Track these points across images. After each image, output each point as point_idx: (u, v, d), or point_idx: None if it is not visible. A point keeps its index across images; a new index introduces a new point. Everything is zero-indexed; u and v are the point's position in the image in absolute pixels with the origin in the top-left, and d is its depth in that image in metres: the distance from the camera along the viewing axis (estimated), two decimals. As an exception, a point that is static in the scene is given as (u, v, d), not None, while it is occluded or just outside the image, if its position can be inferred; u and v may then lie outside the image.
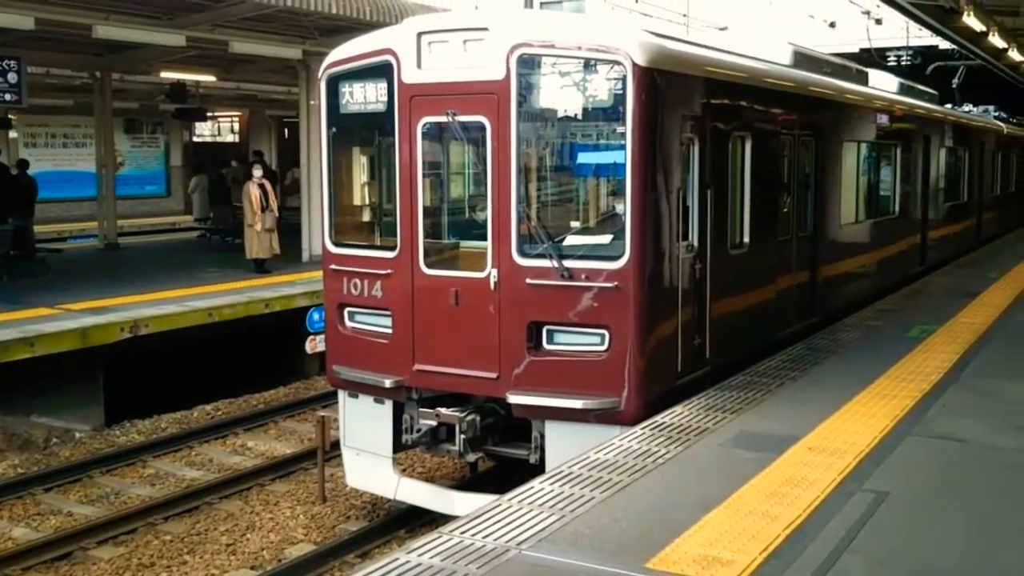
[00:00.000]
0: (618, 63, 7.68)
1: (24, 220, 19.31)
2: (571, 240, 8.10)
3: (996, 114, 26.96)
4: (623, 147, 7.72)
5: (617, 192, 7.99)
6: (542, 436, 8.19)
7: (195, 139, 39.33)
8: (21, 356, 11.98)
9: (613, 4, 27.23)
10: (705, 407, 7.82)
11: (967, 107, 26.01)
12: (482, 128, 8.15)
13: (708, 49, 9.67)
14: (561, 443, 7.92)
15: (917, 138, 16.27)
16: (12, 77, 16.15)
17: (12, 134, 30.22)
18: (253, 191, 17.54)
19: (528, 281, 8.00)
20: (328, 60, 9.20)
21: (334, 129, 9.28)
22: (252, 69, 23.64)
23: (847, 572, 4.85)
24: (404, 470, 10.72)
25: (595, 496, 5.84)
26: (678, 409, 7.77)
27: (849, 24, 30.03)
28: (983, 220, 22.70)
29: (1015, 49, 20.23)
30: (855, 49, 27.97)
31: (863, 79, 14.73)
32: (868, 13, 27.98)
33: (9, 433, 12.41)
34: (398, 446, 9.08)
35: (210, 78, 24.15)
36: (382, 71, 8.64)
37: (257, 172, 18.11)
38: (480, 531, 5.34)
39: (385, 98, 8.67)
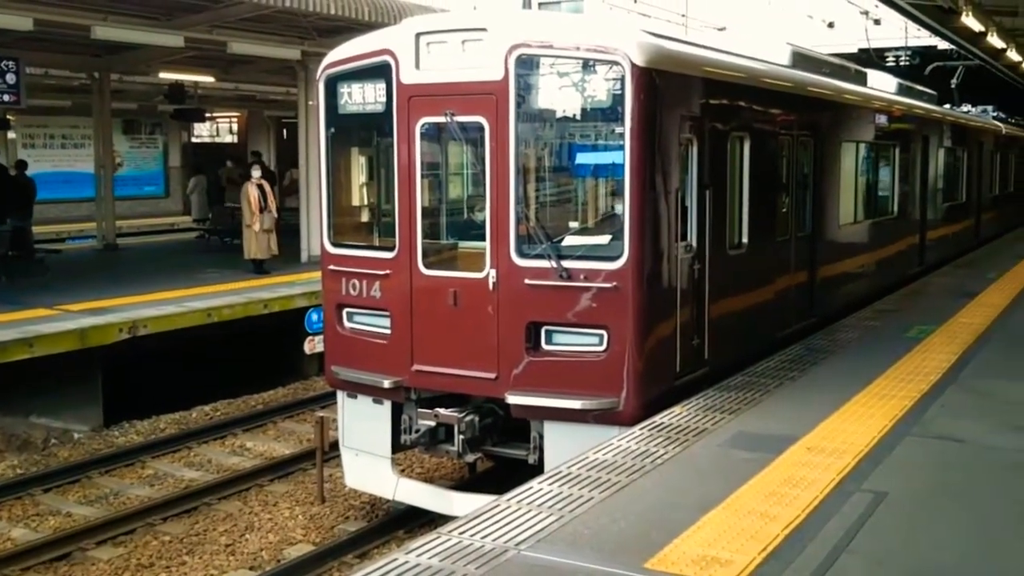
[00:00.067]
0: (616, 63, 7.68)
1: (23, 221, 19.28)
2: (570, 240, 8.10)
3: (995, 114, 26.96)
4: (622, 147, 7.72)
5: (616, 192, 7.99)
6: (541, 436, 8.19)
7: (194, 140, 39.30)
8: (20, 357, 11.97)
9: (611, 4, 27.24)
10: (704, 407, 7.82)
11: (966, 107, 26.02)
12: (480, 128, 8.16)
13: (707, 49, 9.67)
14: (560, 443, 7.92)
15: (916, 138, 16.28)
16: (11, 78, 16.15)
17: (10, 135, 30.20)
18: (252, 192, 17.53)
19: (527, 281, 8.00)
20: (326, 61, 9.20)
21: (333, 130, 9.28)
22: (250, 70, 23.63)
23: (846, 572, 4.85)
24: (403, 470, 10.72)
25: (594, 496, 5.84)
26: (677, 409, 7.77)
27: (848, 24, 30.06)
28: (982, 220, 22.71)
29: (1014, 49, 20.25)
30: (854, 49, 27.98)
31: (862, 79, 14.74)
32: (867, 13, 28.01)
33: (8, 434, 12.41)
34: (397, 446, 9.08)
35: (208, 79, 24.13)
36: (381, 71, 8.64)
37: (256, 173, 18.11)
38: (479, 531, 5.34)
39: (384, 98, 8.67)
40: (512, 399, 8.09)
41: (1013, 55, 20.87)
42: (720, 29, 25.79)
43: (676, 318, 8.28)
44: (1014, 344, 10.39)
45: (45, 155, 31.99)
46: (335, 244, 9.25)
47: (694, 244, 8.57)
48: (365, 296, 8.93)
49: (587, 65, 7.86)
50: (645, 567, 4.87)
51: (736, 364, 9.17)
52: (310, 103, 18.62)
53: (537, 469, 7.86)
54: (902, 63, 28.63)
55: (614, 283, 7.72)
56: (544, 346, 8.06)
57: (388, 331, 8.77)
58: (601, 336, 7.84)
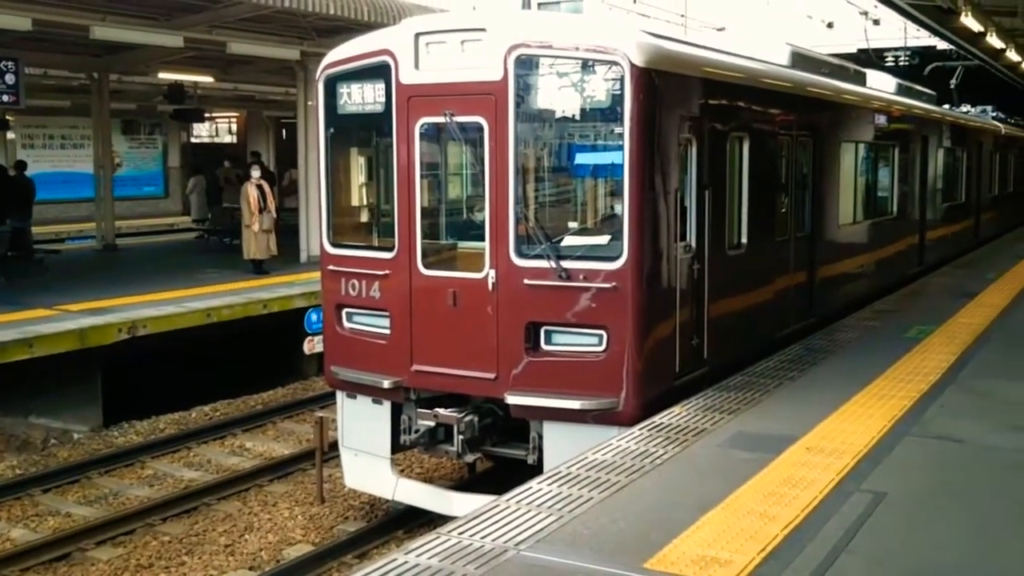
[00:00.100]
0: (616, 63, 7.68)
1: (22, 221, 19.30)
2: (569, 241, 8.10)
3: (994, 114, 26.97)
4: (621, 148, 7.72)
5: (615, 193, 7.98)
6: (540, 437, 8.19)
7: (193, 140, 39.30)
8: (19, 357, 11.97)
9: (611, 4, 27.25)
10: (703, 407, 7.82)
11: (965, 107, 26.03)
12: (480, 129, 8.16)
13: (706, 50, 9.67)
14: (559, 444, 7.92)
15: (915, 138, 16.28)
16: (10, 78, 16.14)
17: (10, 135, 30.20)
18: (251, 192, 17.53)
19: (526, 282, 8.00)
20: (326, 61, 9.20)
21: (332, 130, 9.28)
22: (250, 70, 23.63)
23: (845, 572, 4.85)
24: (402, 471, 10.73)
25: (593, 496, 5.84)
26: (676, 409, 7.77)
27: (847, 24, 30.08)
28: (981, 220, 22.72)
29: (1013, 49, 20.26)
30: (853, 49, 28.00)
31: (861, 79, 14.74)
32: (866, 14, 28.04)
33: (7, 434, 12.42)
34: (396, 447, 9.08)
35: (208, 79, 24.13)
36: (380, 72, 8.64)
37: (255, 173, 18.11)
38: (478, 532, 5.34)
39: (383, 99, 8.67)
40: (511, 399, 8.09)
41: (1012, 55, 20.89)
42: (719, 29, 25.80)
43: (675, 318, 8.29)
44: (1013, 344, 10.39)
45: (44, 155, 31.99)
46: (334, 244, 9.25)
47: (693, 244, 8.57)
48: (364, 296, 8.93)
49: (586, 65, 7.85)
50: (644, 567, 4.87)
51: (735, 364, 9.17)
52: (309, 103, 18.62)
53: (536, 469, 7.86)
54: (901, 63, 28.64)
55: (613, 283, 7.73)
56: (543, 346, 8.06)
57: (387, 331, 8.77)
58: (600, 336, 7.84)
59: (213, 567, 8.95)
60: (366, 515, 10.03)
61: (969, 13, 15.21)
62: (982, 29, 16.66)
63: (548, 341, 8.06)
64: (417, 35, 8.45)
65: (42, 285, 16.39)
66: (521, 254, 8.04)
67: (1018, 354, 9.95)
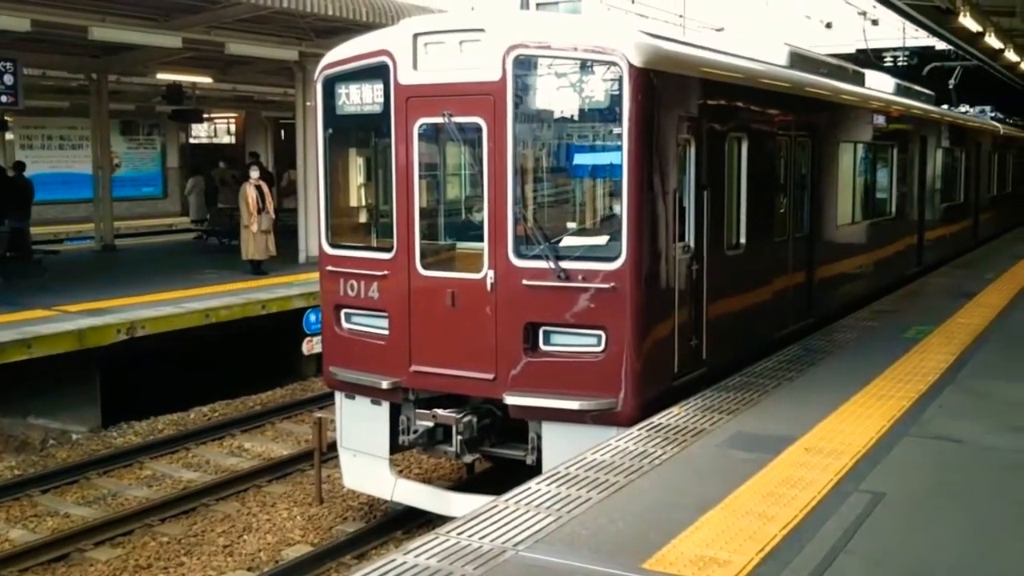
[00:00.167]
0: (614, 64, 7.68)
1: (21, 222, 19.28)
2: (567, 241, 8.09)
3: (992, 115, 26.99)
4: (619, 148, 7.72)
5: (613, 193, 7.98)
6: (539, 437, 8.19)
7: (191, 141, 39.29)
8: (18, 358, 11.97)
9: (609, 5, 27.25)
10: (702, 408, 7.82)
11: (964, 108, 26.05)
12: (478, 129, 8.16)
13: (704, 50, 9.67)
14: (558, 444, 7.92)
15: (914, 139, 16.29)
16: (8, 79, 16.12)
17: (8, 136, 30.21)
18: (249, 192, 17.53)
19: (524, 282, 7.99)
20: (324, 61, 9.20)
21: (330, 130, 9.28)
22: (248, 70, 23.63)
23: (844, 573, 4.85)
24: (401, 471, 10.73)
25: (592, 497, 5.84)
26: (675, 410, 7.77)
27: (845, 25, 30.11)
28: (980, 221, 22.73)
29: (1011, 50, 20.29)
30: (851, 50, 28.03)
31: (859, 80, 14.75)
32: (864, 14, 28.06)
33: (6, 435, 12.42)
34: (395, 447, 9.08)
35: (206, 79, 24.12)
36: (378, 72, 8.64)
37: (254, 173, 18.11)
38: (477, 532, 5.34)
39: (381, 99, 8.67)
40: (510, 400, 8.09)
41: (1011, 55, 20.92)
42: (718, 30, 25.80)
43: (674, 319, 8.29)
44: (1012, 345, 10.40)
45: (43, 156, 32.00)
46: (333, 245, 9.25)
47: (692, 245, 8.58)
48: (363, 297, 8.93)
49: (585, 66, 7.85)
50: (643, 567, 4.87)
51: (734, 364, 9.17)
52: (308, 104, 18.60)
53: (535, 470, 7.86)
54: (900, 63, 28.66)
55: (612, 284, 7.72)
56: (542, 347, 8.06)
57: (386, 332, 8.77)
58: (599, 337, 7.84)
59: (212, 568, 8.94)
60: (365, 516, 10.02)
61: (967, 13, 15.24)
62: (980, 29, 16.70)
63: (547, 341, 8.06)
64: (415, 35, 8.45)
65: (41, 286, 16.39)
66: (520, 255, 8.04)
67: (1017, 354, 9.96)
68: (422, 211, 8.63)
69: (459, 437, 8.35)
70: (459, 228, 8.87)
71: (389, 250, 8.71)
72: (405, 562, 4.94)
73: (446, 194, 9.06)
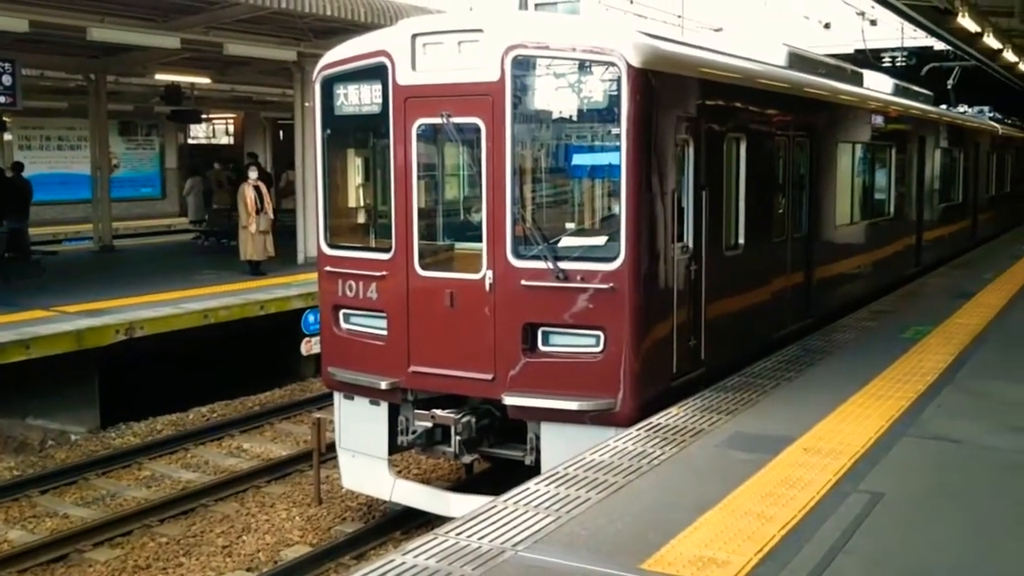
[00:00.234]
0: (612, 64, 7.68)
1: (19, 222, 19.28)
2: (566, 242, 8.10)
3: (991, 115, 27.01)
4: (618, 148, 7.72)
5: (612, 193, 7.99)
6: (538, 437, 8.18)
7: (190, 141, 39.27)
8: (16, 358, 11.96)
9: (608, 5, 27.25)
10: (700, 408, 7.83)
11: (962, 108, 26.05)
12: (477, 130, 8.16)
13: (703, 50, 9.68)
14: (557, 444, 7.92)
15: (912, 139, 16.29)
16: (7, 79, 16.13)
17: (7, 136, 30.19)
18: (248, 193, 17.53)
19: (523, 283, 7.99)
20: (323, 62, 9.20)
21: (329, 131, 9.27)
22: (247, 71, 23.62)
23: (842, 573, 4.85)
24: (400, 472, 10.72)
25: (591, 497, 5.84)
26: (673, 410, 7.77)
27: (844, 25, 30.11)
28: (978, 221, 22.74)
29: (1010, 50, 20.30)
30: (850, 50, 28.04)
31: (858, 80, 14.75)
32: (863, 14, 28.07)
33: (5, 435, 12.41)
34: (394, 448, 9.08)
35: (205, 80, 24.12)
36: (377, 73, 8.64)
37: (252, 174, 18.11)
38: (476, 532, 5.34)
39: (380, 100, 8.67)
40: (509, 400, 8.09)
41: (1009, 56, 20.93)
42: (716, 30, 25.79)
43: (672, 319, 8.29)
44: (1011, 345, 10.40)
45: (41, 157, 31.99)
46: (331, 245, 9.25)
47: (690, 245, 8.58)
48: (362, 297, 8.93)
49: (583, 66, 7.85)
50: (642, 568, 4.87)
51: (733, 365, 9.17)
52: (306, 104, 18.61)
53: (534, 470, 7.85)
54: (898, 64, 28.68)
55: (611, 284, 7.72)
56: (541, 347, 8.06)
57: (385, 332, 8.77)
58: (598, 337, 7.84)
59: (211, 568, 8.94)
60: (364, 516, 10.02)
61: (966, 13, 15.24)
62: (979, 29, 16.70)
63: (545, 342, 8.06)
64: (414, 36, 8.45)
65: (39, 286, 16.38)
66: (518, 255, 8.04)
67: (1015, 355, 9.96)
68: (421, 211, 8.63)
69: (458, 437, 8.34)
70: (458, 228, 8.86)
71: (388, 250, 8.71)
72: (404, 562, 4.94)
73: (445, 194, 9.05)
